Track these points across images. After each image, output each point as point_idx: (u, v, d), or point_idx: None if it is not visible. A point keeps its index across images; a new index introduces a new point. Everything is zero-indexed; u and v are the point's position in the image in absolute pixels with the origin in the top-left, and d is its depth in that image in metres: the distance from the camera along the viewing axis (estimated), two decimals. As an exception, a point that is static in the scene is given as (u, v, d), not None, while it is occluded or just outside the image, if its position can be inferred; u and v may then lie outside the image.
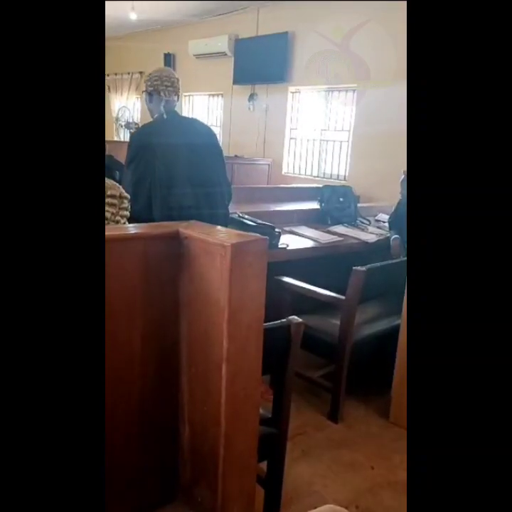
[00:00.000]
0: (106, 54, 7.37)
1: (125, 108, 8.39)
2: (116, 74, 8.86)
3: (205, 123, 2.30)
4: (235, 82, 6.49)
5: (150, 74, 2.23)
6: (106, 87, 9.31)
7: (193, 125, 2.27)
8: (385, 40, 4.70)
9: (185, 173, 2.07)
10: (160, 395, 1.14)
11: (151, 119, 2.24)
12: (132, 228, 1.08)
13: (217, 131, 7.41)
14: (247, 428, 1.13)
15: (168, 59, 7.71)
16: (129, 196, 1.47)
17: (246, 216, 2.99)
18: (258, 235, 2.58)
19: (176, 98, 2.22)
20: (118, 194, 1.42)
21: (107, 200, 1.37)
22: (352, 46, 5.15)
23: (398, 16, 4.26)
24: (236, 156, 6.30)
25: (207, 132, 2.27)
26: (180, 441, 1.16)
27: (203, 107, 7.71)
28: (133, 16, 5.78)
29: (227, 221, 2.27)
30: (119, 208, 1.40)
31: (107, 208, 1.36)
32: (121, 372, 1.06)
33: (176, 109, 2.21)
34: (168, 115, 2.15)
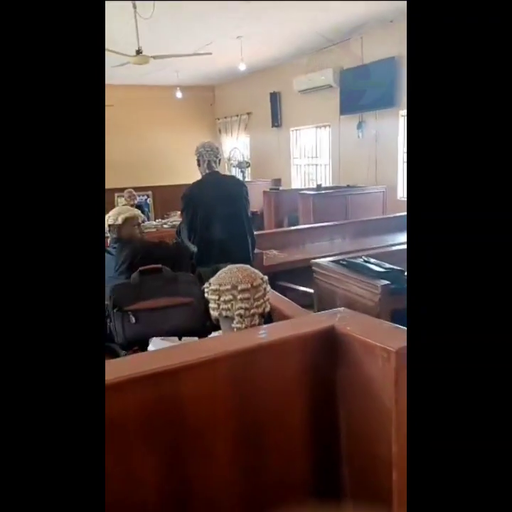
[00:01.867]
0: (216, 100, 7.90)
1: (236, 149, 8.83)
2: (226, 117, 9.41)
3: (240, 179, 3.11)
4: (342, 112, 6.50)
5: (199, 146, 2.93)
6: (217, 130, 9.94)
7: (228, 181, 3.05)
8: None
9: (220, 216, 2.77)
10: (321, 483, 1.14)
11: (200, 175, 2.99)
12: (289, 328, 1.11)
13: (325, 162, 7.44)
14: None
15: (274, 98, 7.98)
16: (266, 278, 1.38)
17: (371, 260, 2.92)
18: (387, 282, 2.52)
19: (217, 162, 2.92)
20: (250, 285, 1.30)
21: (238, 296, 1.28)
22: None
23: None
24: (348, 186, 6.24)
25: (239, 186, 2.99)
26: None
27: (310, 139, 7.82)
28: (242, 67, 6.13)
29: (252, 255, 2.98)
30: (255, 299, 1.30)
31: (239, 305, 1.28)
32: (286, 466, 1.08)
33: (217, 169, 2.95)
34: (210, 176, 2.90)
